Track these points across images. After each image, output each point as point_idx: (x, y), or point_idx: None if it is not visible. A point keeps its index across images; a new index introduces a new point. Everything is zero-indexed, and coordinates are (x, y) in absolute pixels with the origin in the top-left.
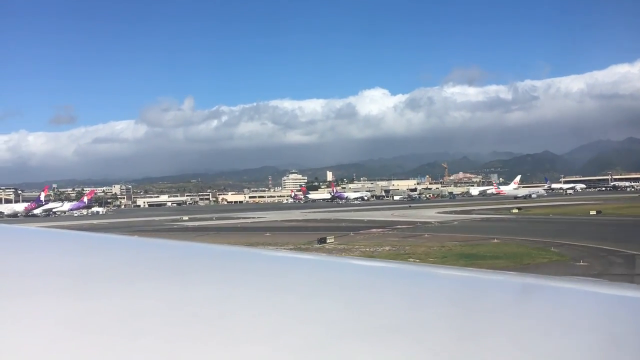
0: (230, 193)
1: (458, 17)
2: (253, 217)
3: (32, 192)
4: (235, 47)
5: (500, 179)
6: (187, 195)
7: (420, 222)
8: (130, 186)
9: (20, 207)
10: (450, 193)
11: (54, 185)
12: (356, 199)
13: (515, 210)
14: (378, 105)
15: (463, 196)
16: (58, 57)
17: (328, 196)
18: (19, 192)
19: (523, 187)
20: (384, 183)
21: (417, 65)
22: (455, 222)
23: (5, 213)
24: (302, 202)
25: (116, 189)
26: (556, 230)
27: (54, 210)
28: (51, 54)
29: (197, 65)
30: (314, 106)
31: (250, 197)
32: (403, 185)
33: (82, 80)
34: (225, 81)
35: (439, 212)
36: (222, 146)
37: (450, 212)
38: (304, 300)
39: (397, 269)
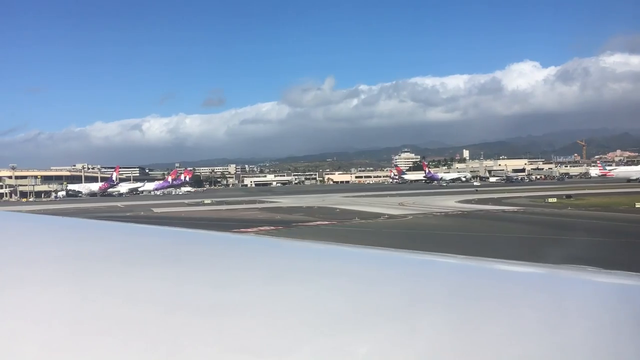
0: (337, 173)
1: None
2: (271, 202)
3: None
4: (375, 25)
5: None
6: (293, 175)
7: (365, 214)
8: (246, 166)
9: (95, 186)
10: (564, 174)
11: (177, 165)
12: (452, 180)
13: (553, 200)
14: (527, 79)
15: (580, 178)
16: (209, 45)
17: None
18: (147, 170)
19: None
20: (489, 163)
21: (570, 34)
22: (410, 217)
23: (84, 192)
24: (396, 182)
25: (232, 168)
26: (480, 237)
27: (139, 189)
28: (203, 43)
29: (338, 45)
30: (456, 82)
31: (356, 177)
32: (511, 165)
33: (232, 65)
34: (364, 60)
35: (457, 202)
36: (362, 125)
37: (468, 202)
38: (303, 288)
39: (399, 257)
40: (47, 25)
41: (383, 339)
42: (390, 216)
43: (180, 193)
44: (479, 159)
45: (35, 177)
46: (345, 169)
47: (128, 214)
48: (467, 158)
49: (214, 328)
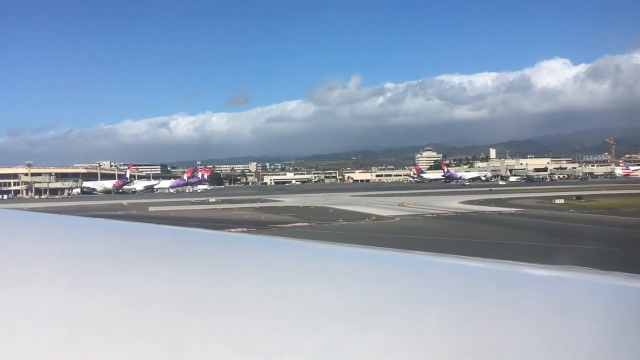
0: (357, 172)
1: None
2: (274, 201)
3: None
4: (402, 23)
5: None
6: (313, 174)
7: (355, 215)
8: (267, 164)
9: (110, 184)
10: (587, 174)
11: (198, 163)
12: (472, 179)
13: (560, 201)
14: (556, 77)
15: (605, 177)
16: (236, 44)
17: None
18: (169, 168)
19: None
20: (511, 162)
21: (602, 31)
22: (397, 219)
23: (98, 189)
24: (415, 181)
25: (252, 166)
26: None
27: (155, 187)
28: (230, 42)
29: (364, 43)
30: (484, 80)
31: (377, 176)
32: (533, 164)
33: (258, 63)
34: (391, 58)
35: (461, 202)
36: (388, 123)
37: (472, 202)
38: (302, 287)
39: (399, 257)
40: (79, 27)
41: (383, 339)
42: (378, 217)
43: (198, 190)
44: (505, 157)
45: (50, 174)
46: (368, 168)
47: (119, 212)
48: (494, 157)
49: (213, 327)
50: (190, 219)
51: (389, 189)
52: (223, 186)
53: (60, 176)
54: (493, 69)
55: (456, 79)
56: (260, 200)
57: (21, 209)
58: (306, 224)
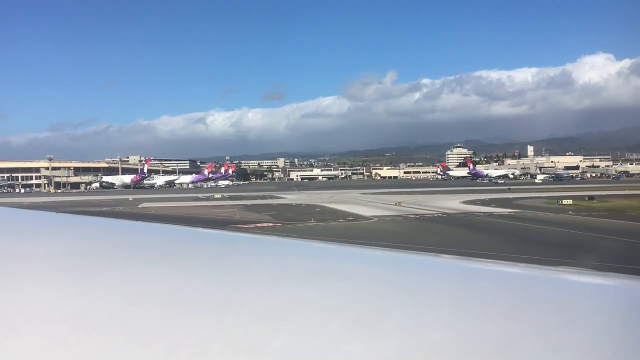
0: (385, 168)
1: None
2: (277, 198)
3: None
4: (439, 18)
5: None
6: (340, 170)
7: (337, 214)
8: (295, 160)
9: (128, 178)
10: (621, 172)
11: (227, 158)
12: (499, 177)
13: (568, 202)
14: (599, 72)
15: None
16: (271, 41)
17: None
18: (199, 164)
19: None
20: (541, 159)
21: None
22: (374, 220)
23: (117, 184)
24: (441, 178)
25: (280, 162)
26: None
27: (176, 182)
28: (266, 39)
29: (400, 39)
30: (524, 75)
31: (405, 173)
32: (564, 161)
33: (293, 59)
34: (427, 54)
35: (461, 202)
36: (424, 119)
37: (473, 202)
38: (302, 287)
39: (399, 257)
40: (119, 26)
41: (383, 339)
42: (356, 218)
43: (222, 186)
44: (542, 154)
45: (68, 168)
46: (397, 164)
47: (104, 209)
48: (532, 154)
49: (212, 327)
50: (164, 216)
51: (409, 186)
52: (247, 182)
53: (82, 170)
54: (533, 64)
55: (495, 75)
56: (262, 197)
57: (21, 203)
58: (271, 224)
